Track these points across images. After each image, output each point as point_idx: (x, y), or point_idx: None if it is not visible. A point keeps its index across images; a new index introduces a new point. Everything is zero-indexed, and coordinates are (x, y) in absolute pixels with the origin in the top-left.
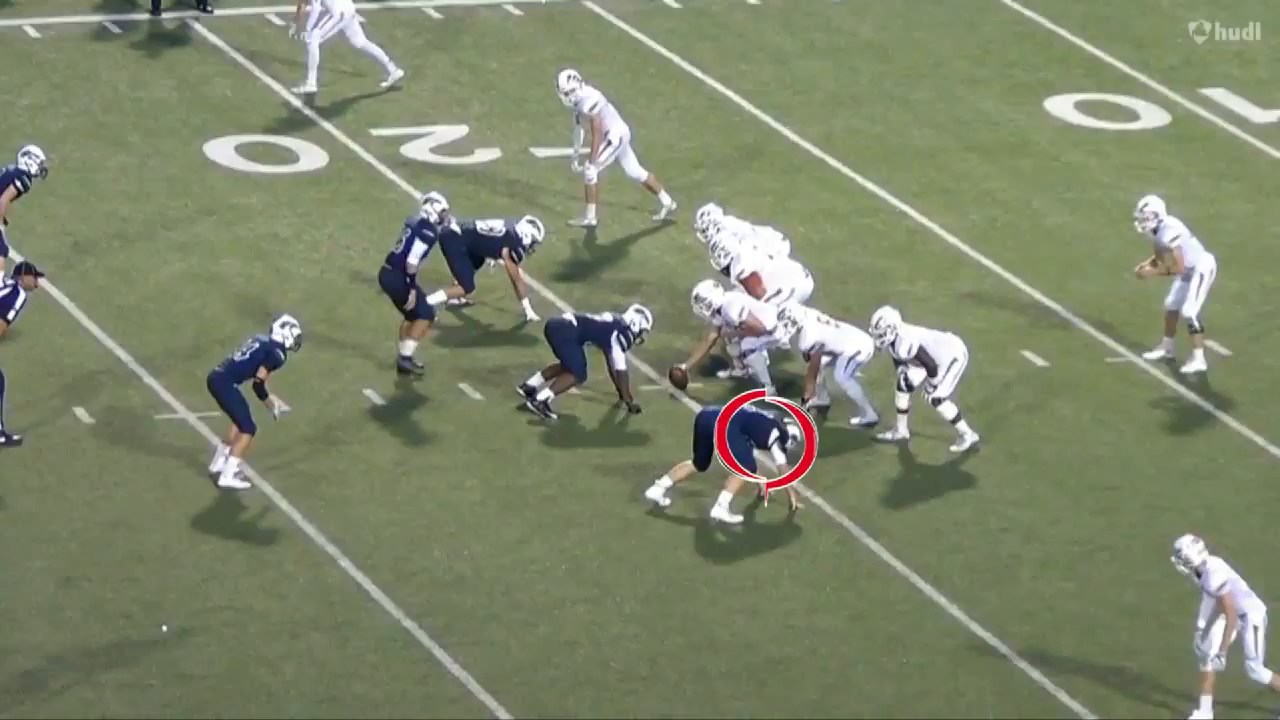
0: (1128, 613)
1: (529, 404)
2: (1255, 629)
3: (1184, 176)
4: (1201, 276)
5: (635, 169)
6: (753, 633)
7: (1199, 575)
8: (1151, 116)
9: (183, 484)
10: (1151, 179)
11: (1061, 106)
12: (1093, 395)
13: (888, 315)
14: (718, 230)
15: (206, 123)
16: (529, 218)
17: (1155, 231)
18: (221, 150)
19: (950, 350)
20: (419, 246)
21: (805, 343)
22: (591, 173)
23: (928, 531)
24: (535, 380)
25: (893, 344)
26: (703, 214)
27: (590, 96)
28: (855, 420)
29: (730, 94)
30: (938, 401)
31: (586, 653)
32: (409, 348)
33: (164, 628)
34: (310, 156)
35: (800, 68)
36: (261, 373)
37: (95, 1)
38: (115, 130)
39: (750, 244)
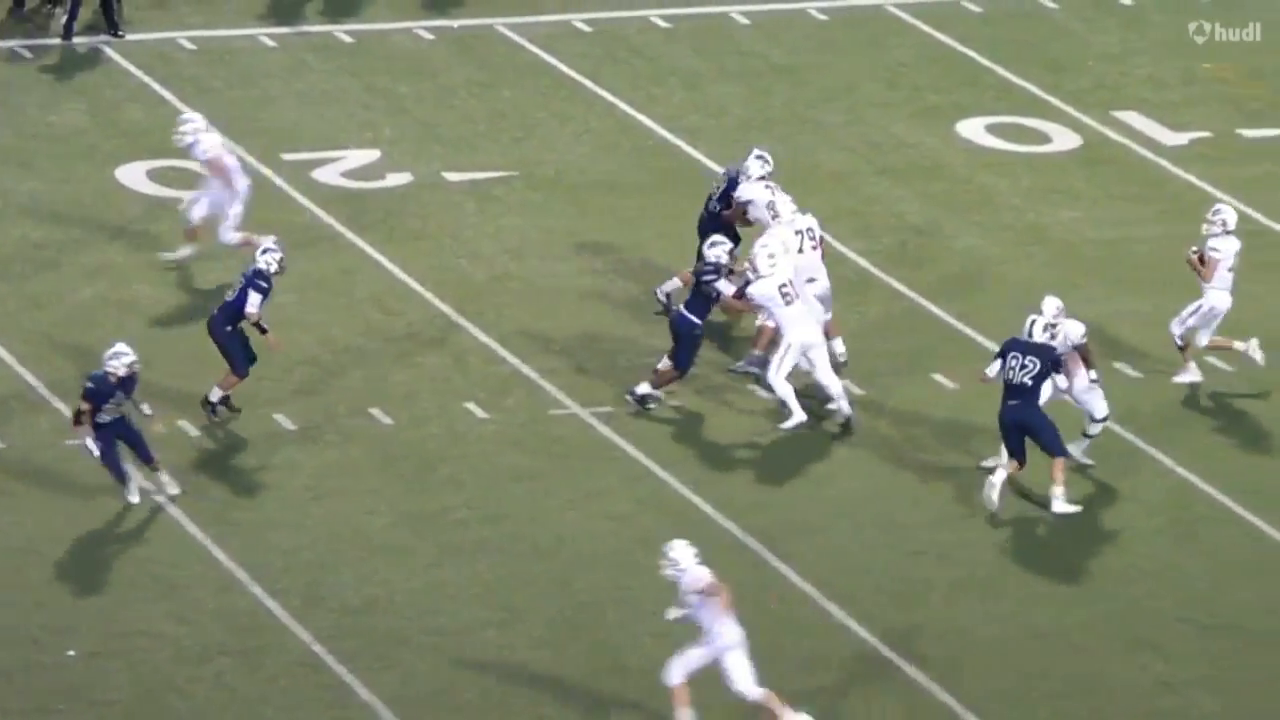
0: (1038, 635)
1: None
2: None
3: (1095, 199)
4: (1211, 306)
5: (201, 212)
6: (662, 656)
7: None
8: (1063, 139)
9: (92, 510)
10: (1063, 202)
11: (973, 129)
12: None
13: (1058, 302)
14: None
15: (119, 147)
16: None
17: (1213, 238)
18: (134, 175)
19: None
20: (254, 296)
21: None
22: (230, 238)
23: (838, 554)
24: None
25: (1054, 335)
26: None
27: (205, 142)
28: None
29: (642, 117)
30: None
31: (496, 677)
32: (215, 393)
33: (70, 652)
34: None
35: (712, 91)
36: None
37: (7, 26)
38: (27, 155)
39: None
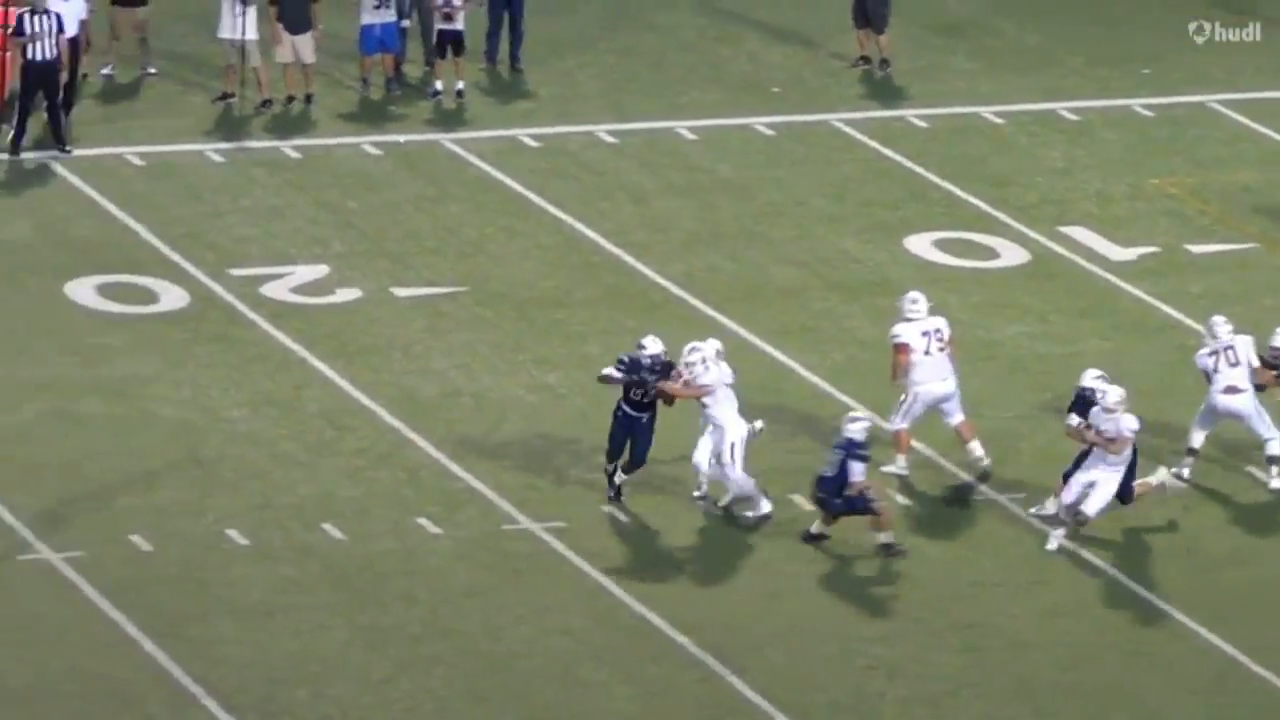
0: None
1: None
2: None
3: (1044, 314)
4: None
5: None
6: None
7: None
8: (1010, 254)
9: (46, 624)
10: (1011, 316)
11: (921, 244)
12: (957, 532)
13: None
14: None
15: (67, 262)
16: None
17: None
18: (82, 290)
19: None
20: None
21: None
22: None
23: (791, 669)
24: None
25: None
26: None
27: None
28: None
29: (589, 232)
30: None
31: None
32: None
33: None
34: (171, 296)
35: (659, 205)
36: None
37: None
38: None
39: None
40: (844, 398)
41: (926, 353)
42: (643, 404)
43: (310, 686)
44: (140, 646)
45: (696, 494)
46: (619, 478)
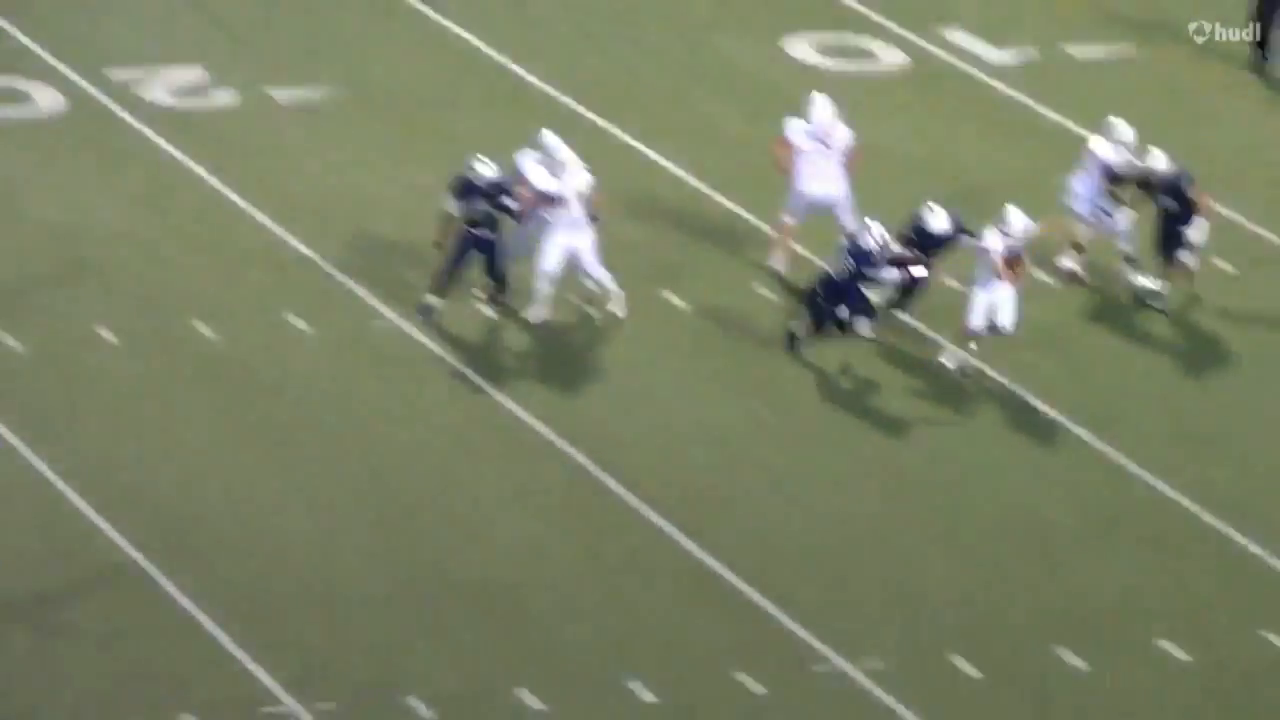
0: (853, 539)
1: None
2: None
3: (921, 116)
4: None
5: None
6: (485, 562)
7: None
8: (890, 57)
9: None
10: (890, 119)
11: (800, 48)
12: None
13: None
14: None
15: None
16: None
17: None
18: None
19: None
20: None
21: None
22: None
23: (658, 461)
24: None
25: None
26: None
27: None
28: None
29: (467, 35)
30: None
31: (318, 584)
32: None
33: None
34: (46, 98)
35: (537, 8)
36: None
37: None
38: None
39: None
40: (720, 198)
41: (813, 155)
42: (485, 223)
43: (176, 479)
44: (6, 440)
45: (534, 308)
46: (494, 305)
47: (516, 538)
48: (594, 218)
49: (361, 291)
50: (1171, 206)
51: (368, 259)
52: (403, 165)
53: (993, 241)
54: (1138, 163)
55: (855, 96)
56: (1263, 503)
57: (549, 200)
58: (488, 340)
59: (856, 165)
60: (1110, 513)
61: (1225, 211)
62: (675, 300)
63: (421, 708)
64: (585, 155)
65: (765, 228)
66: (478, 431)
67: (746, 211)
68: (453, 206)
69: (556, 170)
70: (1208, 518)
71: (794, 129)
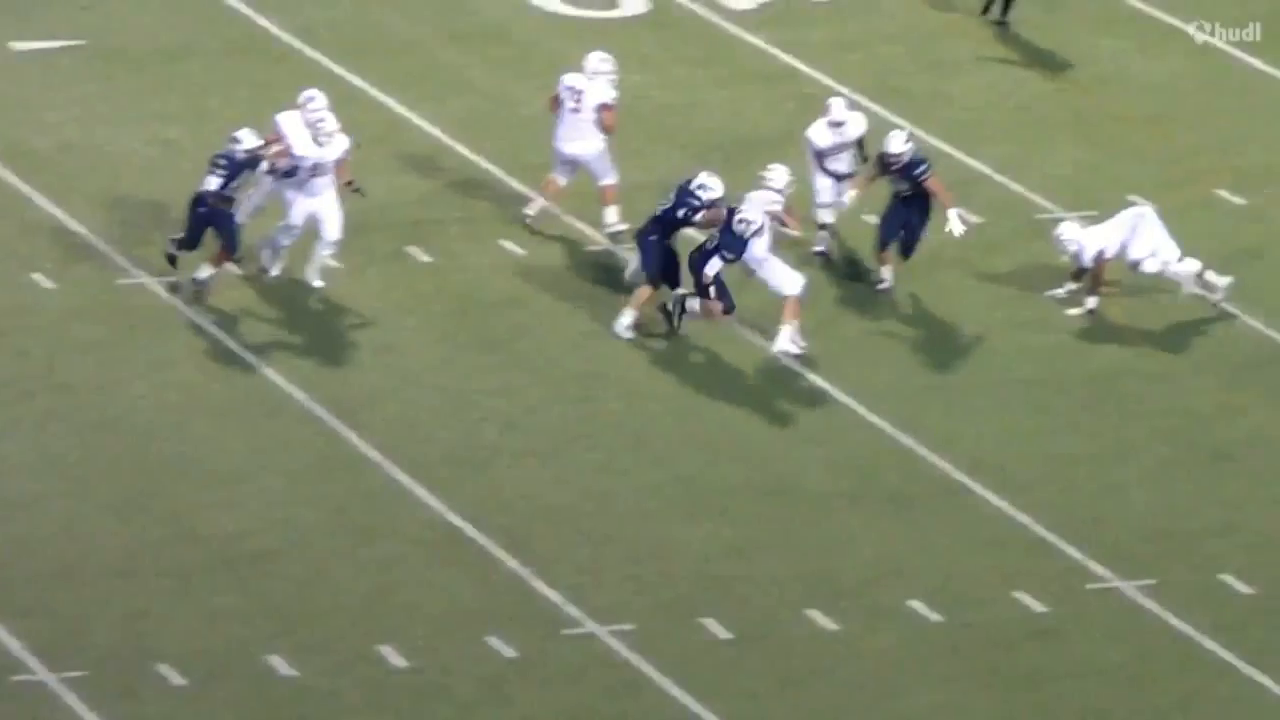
0: (604, 501)
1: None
2: None
3: (663, 64)
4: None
5: None
6: (232, 525)
7: None
8: (631, 4)
9: None
10: (632, 67)
11: None
12: (572, 282)
13: (1067, 230)
14: None
15: None
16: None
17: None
18: None
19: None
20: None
21: None
22: None
23: (405, 422)
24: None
25: (1078, 254)
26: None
27: None
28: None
29: None
30: (1135, 265)
31: (65, 547)
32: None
33: None
34: None
35: None
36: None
37: None
38: None
39: None
40: (461, 149)
41: (568, 110)
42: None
43: None
44: None
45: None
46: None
47: (264, 501)
48: (356, 189)
49: (107, 249)
50: (904, 189)
51: (113, 215)
52: (145, 120)
53: (757, 211)
54: (848, 141)
55: (599, 45)
56: (1010, 461)
57: (306, 165)
58: (233, 300)
59: (611, 123)
60: (861, 473)
61: (968, 160)
62: (421, 256)
63: (172, 674)
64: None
65: (509, 180)
66: (223, 391)
67: (489, 163)
68: (214, 184)
69: (318, 135)
70: (959, 476)
71: (562, 83)
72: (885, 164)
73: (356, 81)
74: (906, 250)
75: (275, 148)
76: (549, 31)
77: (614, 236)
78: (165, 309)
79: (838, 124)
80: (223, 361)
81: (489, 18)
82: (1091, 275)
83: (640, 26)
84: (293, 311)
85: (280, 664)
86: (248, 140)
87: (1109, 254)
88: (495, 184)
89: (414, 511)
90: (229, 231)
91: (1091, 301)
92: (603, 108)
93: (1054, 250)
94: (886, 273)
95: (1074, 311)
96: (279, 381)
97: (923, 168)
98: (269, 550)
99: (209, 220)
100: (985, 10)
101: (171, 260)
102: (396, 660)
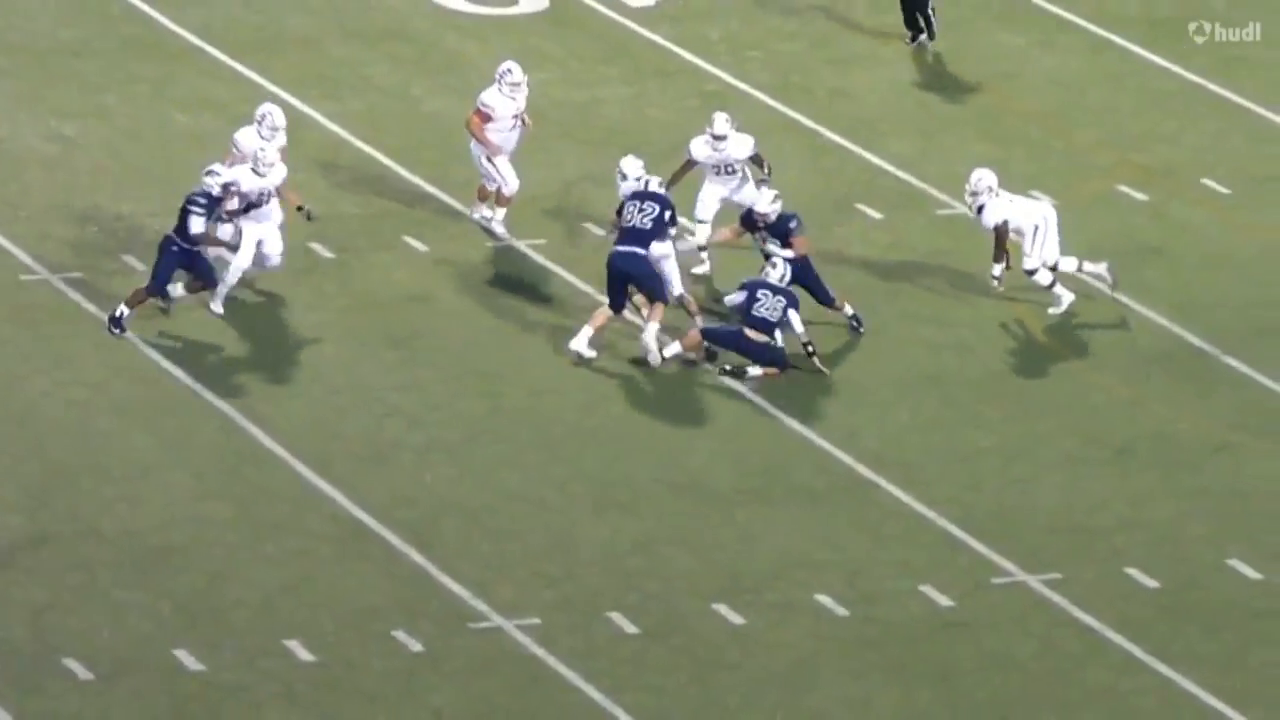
0: (510, 496)
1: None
2: None
3: (564, 61)
4: (1036, 228)
5: None
6: (136, 521)
7: None
8: (530, 1)
9: None
10: (532, 64)
11: None
12: (475, 279)
13: (988, 176)
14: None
15: None
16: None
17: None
18: None
19: (1032, 217)
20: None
21: None
22: None
23: (311, 418)
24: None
25: (980, 210)
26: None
27: None
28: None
29: None
30: (1030, 273)
31: None
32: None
33: None
34: None
35: None
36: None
37: None
38: None
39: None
40: (362, 145)
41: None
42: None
43: None
44: None
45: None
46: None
47: (170, 497)
48: (307, 214)
49: (7, 245)
50: (774, 247)
51: (14, 211)
52: (43, 116)
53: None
54: (729, 159)
55: (498, 43)
56: (915, 456)
57: (253, 198)
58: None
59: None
60: (767, 469)
61: (871, 157)
62: (324, 252)
63: (79, 669)
64: (226, 103)
65: (411, 176)
66: (127, 387)
67: (390, 159)
68: (200, 225)
69: (259, 165)
70: (864, 471)
71: (488, 98)
72: (752, 222)
73: (255, 78)
74: (826, 301)
75: (229, 194)
76: (449, 28)
77: (490, 230)
78: (68, 305)
79: (719, 138)
80: (126, 357)
81: (389, 15)
82: (996, 243)
83: (540, 23)
84: (197, 308)
85: (187, 658)
86: (225, 174)
87: (1012, 226)
88: (396, 181)
89: (320, 507)
90: (203, 268)
91: (998, 269)
92: (519, 114)
93: (957, 233)
94: (849, 307)
95: (1054, 310)
96: (183, 378)
97: (793, 224)
98: (175, 546)
99: (182, 261)
100: (913, 40)
101: (165, 311)
102: (304, 654)
